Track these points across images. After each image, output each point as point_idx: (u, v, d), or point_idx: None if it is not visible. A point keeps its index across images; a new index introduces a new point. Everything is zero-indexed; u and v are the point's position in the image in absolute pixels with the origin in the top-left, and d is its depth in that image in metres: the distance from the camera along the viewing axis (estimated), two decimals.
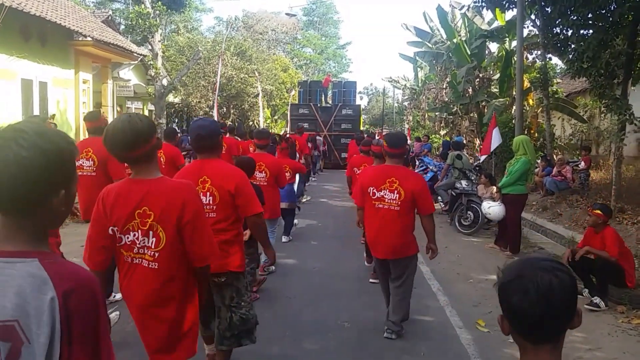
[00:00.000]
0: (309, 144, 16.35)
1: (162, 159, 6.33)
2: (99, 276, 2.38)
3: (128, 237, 2.32)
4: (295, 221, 8.31)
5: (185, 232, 2.32)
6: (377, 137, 11.19)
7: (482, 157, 10.54)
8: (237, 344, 3.37)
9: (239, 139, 10.13)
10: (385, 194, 4.23)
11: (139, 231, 2.30)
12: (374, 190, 4.29)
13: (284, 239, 7.77)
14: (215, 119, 15.84)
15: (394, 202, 4.21)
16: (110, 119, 15.18)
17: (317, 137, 19.16)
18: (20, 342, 1.09)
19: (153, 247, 2.31)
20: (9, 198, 1.15)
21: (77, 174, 1.32)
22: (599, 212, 5.40)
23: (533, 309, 1.22)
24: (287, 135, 13.80)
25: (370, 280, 5.89)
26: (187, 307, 2.46)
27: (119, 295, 5.06)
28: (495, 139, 9.76)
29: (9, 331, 1.09)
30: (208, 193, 3.16)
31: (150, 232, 2.30)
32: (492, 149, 10.01)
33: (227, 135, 9.48)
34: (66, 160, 1.24)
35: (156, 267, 2.33)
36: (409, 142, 17.81)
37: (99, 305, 1.21)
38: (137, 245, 2.32)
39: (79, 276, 1.19)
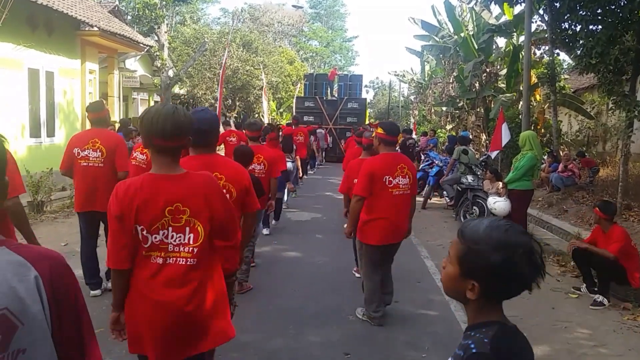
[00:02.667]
0: (311, 137, 16.32)
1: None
2: (125, 275, 2.26)
3: (156, 237, 2.22)
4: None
5: (219, 223, 2.33)
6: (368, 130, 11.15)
7: (494, 154, 10.46)
8: None
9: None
10: (399, 180, 4.42)
11: (170, 228, 2.22)
12: (390, 179, 4.38)
13: (274, 222, 8.07)
14: (219, 110, 15.82)
15: (406, 186, 4.46)
16: (116, 110, 15.22)
17: (319, 130, 19.04)
18: (15, 327, 1.09)
19: (191, 243, 2.25)
20: None
21: (9, 163, 1.30)
22: (597, 209, 5.42)
23: (532, 274, 1.27)
24: (278, 126, 13.58)
25: (356, 274, 5.89)
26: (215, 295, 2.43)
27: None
28: (505, 135, 9.70)
29: (1, 320, 1.09)
30: (224, 190, 3.01)
31: (187, 228, 2.24)
32: (503, 145, 9.93)
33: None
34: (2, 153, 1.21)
35: (194, 263, 2.26)
36: (414, 136, 17.76)
37: (74, 278, 1.25)
38: (172, 243, 2.24)
39: (50, 254, 1.22)
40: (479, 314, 1.34)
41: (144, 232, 2.21)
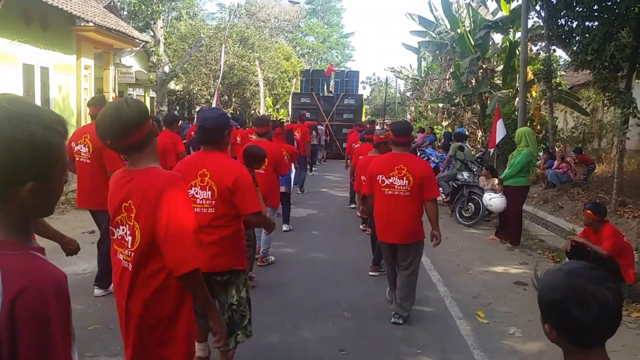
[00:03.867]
0: (313, 133, 16.28)
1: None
2: None
3: (118, 232, 2.15)
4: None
5: (158, 230, 2.01)
6: (376, 127, 11.19)
7: (492, 150, 10.63)
8: (235, 342, 3.21)
9: (239, 128, 10.23)
10: (394, 181, 4.39)
11: (127, 226, 2.11)
12: (383, 178, 4.43)
13: (285, 227, 7.77)
14: (214, 106, 15.75)
15: (404, 188, 4.38)
16: None
17: (319, 127, 19.04)
18: None
19: (129, 246, 2.09)
20: None
21: (62, 163, 1.18)
22: (588, 212, 5.35)
23: (595, 321, 1.28)
24: (282, 121, 13.71)
25: (370, 273, 5.91)
26: (173, 324, 2.16)
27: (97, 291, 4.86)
28: (500, 131, 9.74)
29: None
30: (207, 187, 3.05)
31: (128, 229, 2.10)
32: (497, 141, 9.98)
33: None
34: (38, 150, 1.09)
35: (130, 268, 2.10)
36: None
37: (50, 307, 1.03)
38: (128, 241, 2.11)
39: (35, 273, 1.05)
40: (564, 355, 1.38)
41: (111, 225, 2.22)
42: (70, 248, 2.76)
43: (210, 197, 3.05)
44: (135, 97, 21.68)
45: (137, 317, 2.10)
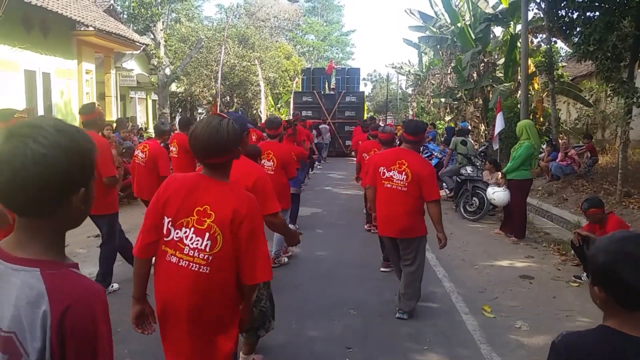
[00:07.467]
0: (314, 131, 16.32)
1: (175, 149, 6.57)
2: (144, 265, 2.31)
3: (178, 233, 2.17)
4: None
5: (241, 243, 2.16)
6: (381, 124, 11.17)
7: (496, 145, 10.62)
8: (255, 336, 3.38)
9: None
10: (394, 175, 4.44)
11: (192, 229, 2.16)
12: (384, 170, 4.49)
13: (292, 227, 7.73)
14: (218, 108, 15.79)
15: (401, 182, 4.41)
16: (114, 110, 15.19)
17: (322, 126, 19.02)
18: (19, 354, 1.06)
19: (208, 250, 2.14)
20: (25, 199, 1.09)
21: (95, 170, 1.26)
22: (592, 210, 5.29)
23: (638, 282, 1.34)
24: (296, 122, 13.79)
25: (381, 269, 5.91)
26: (230, 324, 2.29)
27: (116, 285, 5.06)
28: (499, 124, 9.71)
29: (8, 343, 1.08)
30: None
31: (207, 234, 2.14)
32: (495, 134, 9.98)
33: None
34: (86, 158, 1.18)
35: (207, 271, 2.14)
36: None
37: (97, 322, 1.13)
38: (188, 245, 2.16)
39: (78, 290, 1.13)
40: (604, 317, 1.43)
41: (169, 225, 2.20)
42: None
43: None
44: (137, 100, 21.81)
45: (201, 315, 2.18)
